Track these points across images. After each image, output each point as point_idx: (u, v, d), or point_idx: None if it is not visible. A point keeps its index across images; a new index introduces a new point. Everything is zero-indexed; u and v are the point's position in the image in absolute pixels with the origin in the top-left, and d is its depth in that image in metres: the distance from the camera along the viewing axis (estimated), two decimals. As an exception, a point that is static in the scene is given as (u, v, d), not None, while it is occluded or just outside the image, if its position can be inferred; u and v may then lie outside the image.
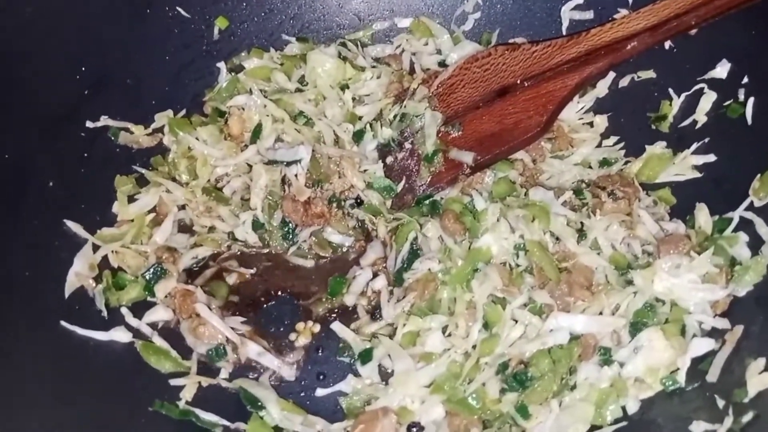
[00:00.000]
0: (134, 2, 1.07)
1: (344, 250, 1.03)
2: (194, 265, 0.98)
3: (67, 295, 0.89)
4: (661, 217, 0.98)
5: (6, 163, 0.90)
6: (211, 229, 1.02)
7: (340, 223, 1.03)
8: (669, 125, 1.06)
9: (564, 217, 0.94)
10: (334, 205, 1.03)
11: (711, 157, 1.00)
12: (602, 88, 1.13)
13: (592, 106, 1.13)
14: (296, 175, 1.02)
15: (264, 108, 1.08)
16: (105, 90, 1.03)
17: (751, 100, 0.95)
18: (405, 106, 1.07)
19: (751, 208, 0.91)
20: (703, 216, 0.94)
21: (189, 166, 1.06)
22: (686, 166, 1.01)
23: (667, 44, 1.05)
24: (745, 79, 0.97)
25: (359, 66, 1.15)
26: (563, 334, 0.83)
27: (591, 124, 1.13)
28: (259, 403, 0.84)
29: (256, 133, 1.07)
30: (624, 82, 1.11)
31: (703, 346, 0.82)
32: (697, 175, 1.01)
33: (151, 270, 0.94)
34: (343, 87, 1.12)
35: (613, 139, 1.10)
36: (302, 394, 0.89)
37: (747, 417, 0.68)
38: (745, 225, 0.90)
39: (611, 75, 1.11)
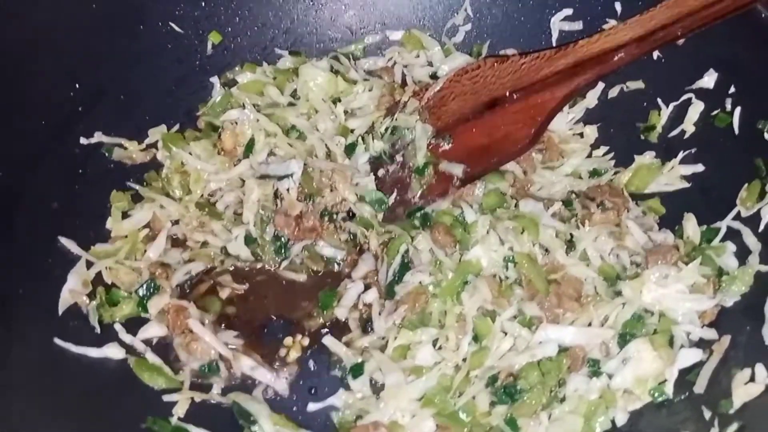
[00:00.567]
0: (128, 18, 1.08)
1: (337, 263, 1.03)
2: (187, 281, 0.99)
3: (60, 312, 0.89)
4: (650, 227, 0.98)
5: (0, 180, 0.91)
6: (204, 244, 1.03)
7: (332, 236, 1.04)
8: (658, 135, 1.06)
9: (553, 228, 0.94)
10: (326, 218, 1.04)
11: (699, 167, 1.01)
12: (592, 98, 1.14)
13: (582, 117, 1.14)
14: (288, 190, 1.03)
15: (257, 122, 1.09)
16: (99, 106, 1.05)
17: (738, 109, 0.96)
18: (396, 119, 1.08)
19: (738, 217, 0.92)
20: (691, 226, 0.95)
21: (182, 181, 1.07)
22: (675, 176, 1.02)
23: (656, 55, 1.06)
24: (732, 89, 0.98)
25: (351, 79, 1.16)
26: (552, 346, 0.84)
27: (581, 134, 1.14)
28: (252, 418, 0.84)
29: (249, 147, 1.08)
30: (613, 92, 1.12)
31: (690, 356, 0.83)
32: (686, 185, 1.01)
33: (144, 286, 0.95)
34: (335, 100, 1.13)
35: (603, 149, 1.11)
36: (294, 409, 0.89)
37: (732, 428, 0.68)
38: (732, 235, 0.91)
39: (600, 86, 1.12)
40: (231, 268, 1.02)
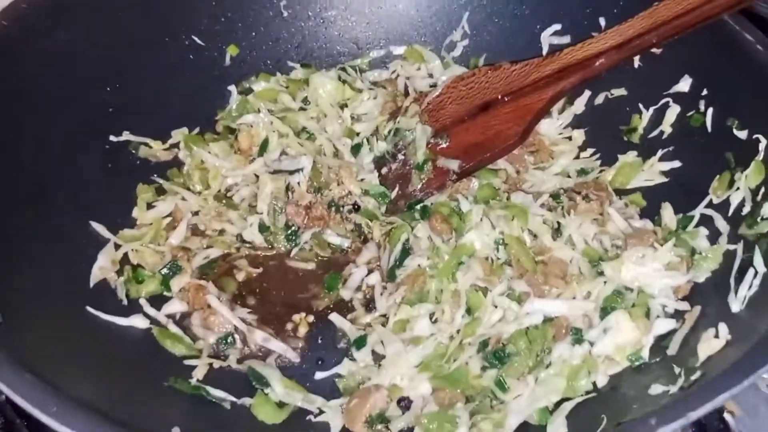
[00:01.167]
0: (155, 32, 1.19)
1: (342, 250, 1.12)
2: (206, 264, 1.07)
3: (91, 285, 0.98)
4: (631, 217, 1.06)
5: (39, 171, 1.00)
6: (221, 232, 1.12)
7: (339, 226, 1.13)
8: (639, 136, 1.15)
9: (541, 216, 1.03)
10: (333, 209, 1.13)
11: (676, 163, 1.09)
12: (579, 105, 1.23)
13: (570, 122, 1.24)
14: (299, 183, 1.12)
15: (270, 125, 1.19)
16: (127, 109, 1.14)
17: (710, 110, 1.05)
18: (398, 122, 1.18)
19: (710, 205, 1.00)
20: (667, 214, 1.03)
21: (202, 177, 1.16)
22: (655, 171, 1.11)
23: (636, 64, 1.15)
24: (705, 92, 1.07)
25: (357, 88, 1.26)
26: (538, 316, 0.92)
27: (570, 138, 1.23)
28: (264, 380, 0.92)
29: (263, 147, 1.18)
30: (599, 99, 1.21)
31: (665, 325, 0.90)
32: (665, 179, 1.10)
33: (167, 266, 1.03)
34: (343, 106, 1.24)
35: (590, 150, 1.20)
36: (303, 377, 0.96)
37: (695, 376, 0.75)
38: (705, 221, 0.99)
39: (587, 93, 1.22)
40: (246, 254, 1.10)
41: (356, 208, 1.15)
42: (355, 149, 1.19)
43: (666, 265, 0.95)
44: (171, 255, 1.06)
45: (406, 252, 1.06)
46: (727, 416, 0.88)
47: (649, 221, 1.05)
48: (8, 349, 0.75)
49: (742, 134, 0.99)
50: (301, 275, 1.09)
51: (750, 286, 0.85)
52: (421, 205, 1.12)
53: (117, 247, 1.03)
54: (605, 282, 0.95)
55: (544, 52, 1.26)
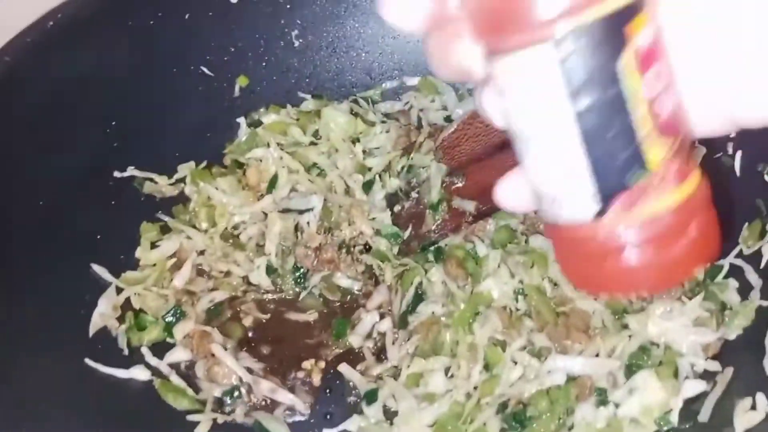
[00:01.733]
0: (161, 62, 1.16)
1: (353, 294, 1.08)
2: (212, 308, 1.03)
3: (91, 335, 0.94)
4: (656, 264, 1.02)
5: (39, 209, 0.97)
6: (227, 273, 1.08)
7: (350, 267, 1.08)
8: (663, 177, 1.11)
9: (562, 263, 0.98)
10: (344, 251, 1.09)
11: (703, 208, 1.05)
12: (599, 143, 1.19)
13: (590, 160, 1.19)
14: (308, 223, 1.08)
15: (280, 160, 1.15)
16: (133, 143, 1.11)
17: (739, 153, 1.00)
18: (412, 159, 1.14)
19: (740, 255, 0.95)
20: (695, 263, 0.99)
21: (208, 214, 1.12)
22: (680, 215, 1.06)
23: (660, 101, 1.11)
24: (733, 134, 1.02)
25: (370, 121, 1.22)
26: (561, 375, 0.87)
27: (590, 176, 1.19)
28: (271, 437, 0.88)
29: (273, 183, 1.14)
30: (620, 136, 1.17)
31: (695, 387, 0.85)
32: (691, 224, 1.05)
33: (171, 312, 0.99)
34: (355, 140, 1.19)
35: (612, 190, 1.16)
36: (311, 433, 0.92)
37: (733, 453, 0.71)
38: (734, 271, 0.95)
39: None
40: (252, 299, 1.06)
41: (367, 248, 1.11)
42: (367, 186, 1.15)
43: (694, 320, 0.90)
44: (175, 299, 1.02)
45: (419, 297, 1.02)
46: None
47: (676, 270, 1.00)
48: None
49: (774, 180, 0.95)
50: (308, 320, 1.04)
51: (787, 350, 0.80)
52: (435, 246, 1.07)
53: (119, 291, 1.00)
54: (630, 336, 0.91)
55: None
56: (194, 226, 1.11)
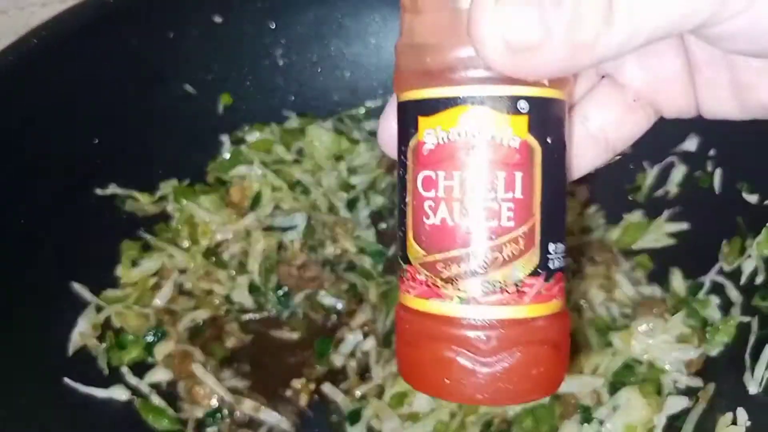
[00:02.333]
0: (144, 79, 1.15)
1: (336, 312, 1.07)
2: (193, 327, 1.02)
3: (70, 354, 0.92)
4: (639, 281, 1.02)
5: (18, 227, 0.95)
6: (209, 292, 1.07)
7: (334, 286, 1.08)
8: (645, 195, 1.12)
9: (545, 280, 0.98)
10: (328, 269, 1.08)
11: (684, 225, 1.06)
12: (582, 160, 1.19)
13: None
14: (292, 241, 1.08)
15: (264, 177, 1.15)
16: (115, 160, 1.10)
17: (718, 171, 1.02)
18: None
19: (720, 272, 0.96)
20: (676, 280, 0.99)
21: (190, 232, 1.12)
22: (661, 232, 1.07)
23: (641, 120, 1.12)
24: (712, 152, 1.04)
25: (354, 139, 1.23)
26: (544, 392, 0.87)
27: (572, 193, 1.20)
28: (253, 459, 0.86)
29: (256, 200, 1.14)
30: (602, 155, 1.18)
31: (678, 403, 0.85)
32: (672, 242, 1.06)
33: (152, 333, 0.98)
34: (339, 158, 1.20)
35: (594, 207, 1.17)
36: (293, 454, 0.91)
37: (715, 468, 0.71)
38: (715, 288, 0.95)
39: (590, 149, 1.19)
40: (234, 318, 1.05)
41: (352, 266, 1.10)
42: (351, 204, 1.15)
43: (677, 337, 0.90)
44: (156, 318, 1.00)
45: (403, 315, 1.02)
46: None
47: (658, 287, 1.01)
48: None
49: (752, 198, 0.96)
50: (291, 340, 1.03)
51: (767, 367, 0.80)
52: (420, 264, 1.07)
53: (99, 309, 0.98)
54: (614, 354, 0.91)
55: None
56: (176, 245, 1.11)
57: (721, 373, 0.87)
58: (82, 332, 0.94)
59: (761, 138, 0.96)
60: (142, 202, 1.13)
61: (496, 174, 0.45)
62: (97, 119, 1.09)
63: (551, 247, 0.48)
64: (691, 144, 1.07)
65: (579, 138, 0.55)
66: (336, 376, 0.99)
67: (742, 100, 0.52)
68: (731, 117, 0.55)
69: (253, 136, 1.22)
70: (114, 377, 0.93)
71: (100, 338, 0.96)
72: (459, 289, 0.46)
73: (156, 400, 0.92)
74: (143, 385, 0.94)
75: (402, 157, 0.49)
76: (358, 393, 0.96)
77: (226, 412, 0.92)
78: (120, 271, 1.05)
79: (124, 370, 0.95)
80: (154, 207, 1.14)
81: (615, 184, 1.15)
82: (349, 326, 1.04)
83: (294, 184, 1.16)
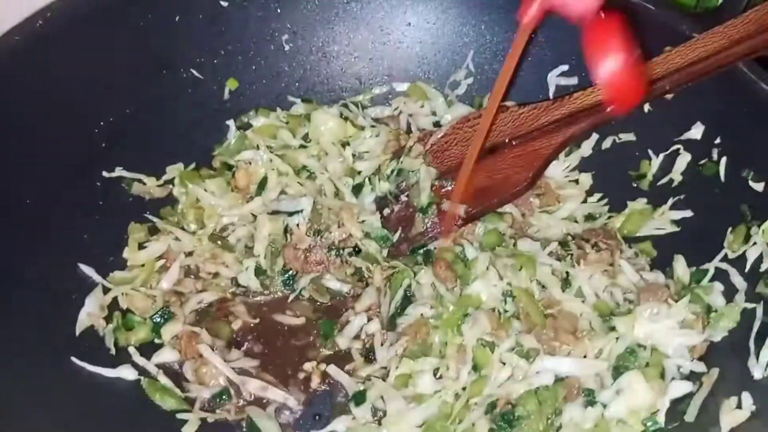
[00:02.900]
0: (151, 64, 1.15)
1: (342, 296, 1.07)
2: (200, 309, 1.02)
3: (78, 333, 0.93)
4: (642, 268, 1.03)
5: (26, 208, 0.96)
6: (216, 275, 1.07)
7: (339, 270, 1.08)
8: (649, 183, 1.12)
9: (549, 266, 0.99)
10: (333, 253, 1.09)
11: (688, 213, 1.06)
12: (586, 148, 1.20)
13: (577, 165, 1.20)
14: (298, 225, 1.08)
15: (270, 162, 1.15)
16: (121, 143, 1.10)
17: (724, 159, 1.02)
18: (402, 162, 1.15)
19: (725, 259, 0.96)
20: (680, 267, 1.00)
21: (197, 216, 1.12)
22: (665, 220, 1.07)
23: (646, 108, 1.12)
24: (718, 140, 1.04)
25: (359, 125, 1.22)
26: (549, 375, 0.87)
27: (576, 181, 1.20)
28: (260, 436, 0.87)
29: (262, 185, 1.14)
30: (606, 143, 1.18)
31: (681, 388, 0.86)
32: (676, 229, 1.07)
33: (159, 313, 0.98)
34: (344, 144, 1.20)
35: (597, 195, 1.17)
36: (299, 434, 0.92)
37: (719, 451, 0.71)
38: (720, 275, 0.96)
39: (595, 137, 1.19)
40: (241, 300, 1.05)
41: (357, 251, 1.10)
42: (357, 189, 1.16)
43: (681, 323, 0.91)
44: (163, 299, 1.01)
45: (407, 299, 1.02)
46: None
47: (661, 274, 1.02)
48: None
49: (758, 186, 0.96)
50: (297, 322, 1.04)
51: (773, 351, 0.81)
52: (425, 249, 1.08)
53: (106, 290, 0.99)
54: (617, 338, 0.91)
55: (551, 92, 1.23)
56: (182, 228, 1.11)
57: (725, 359, 0.87)
58: (89, 312, 0.95)
59: (767, 126, 0.97)
60: (149, 186, 1.13)
61: None
62: (103, 102, 1.09)
63: None
64: (696, 132, 1.07)
65: None
66: (341, 358, 1.00)
67: None
68: None
69: (258, 121, 1.22)
70: (121, 357, 0.94)
71: (108, 319, 0.97)
72: None
73: (163, 379, 0.93)
74: (150, 366, 0.94)
75: None
76: (362, 374, 0.96)
77: (233, 392, 0.93)
78: (127, 253, 1.06)
79: (132, 350, 0.96)
80: (160, 190, 1.14)
81: (619, 172, 1.16)
82: (354, 309, 1.05)
83: (299, 169, 1.16)
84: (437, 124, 1.26)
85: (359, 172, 1.17)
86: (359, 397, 0.93)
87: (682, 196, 1.07)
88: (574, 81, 1.20)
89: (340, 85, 1.30)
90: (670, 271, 1.02)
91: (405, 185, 1.14)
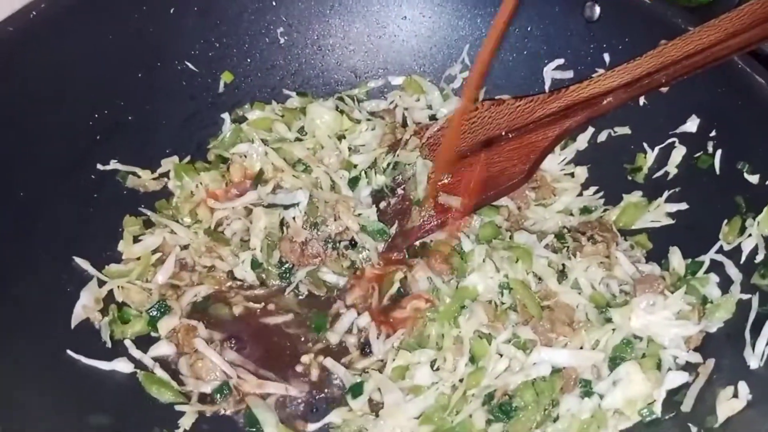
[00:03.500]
0: (146, 56, 1.14)
1: (338, 289, 1.07)
2: (196, 302, 1.02)
3: (73, 326, 0.92)
4: (638, 260, 1.03)
5: (21, 201, 0.95)
6: (211, 268, 1.07)
7: (335, 263, 1.08)
8: (644, 176, 1.12)
9: (546, 258, 0.99)
10: (330, 246, 1.08)
11: (683, 205, 1.06)
12: (582, 142, 1.20)
13: (573, 158, 1.20)
14: (294, 218, 1.08)
15: (265, 156, 1.15)
16: (116, 136, 1.09)
17: (719, 152, 1.02)
18: (398, 155, 1.14)
19: (720, 251, 0.97)
20: (676, 259, 1.00)
21: (192, 209, 1.12)
22: (660, 213, 1.08)
23: (641, 101, 1.13)
24: (713, 133, 1.04)
25: (355, 118, 1.22)
26: (546, 366, 0.88)
27: (572, 174, 1.20)
28: (258, 427, 0.87)
29: (257, 179, 1.13)
30: (602, 136, 1.18)
31: (677, 378, 0.86)
32: (671, 221, 1.07)
33: (155, 307, 0.98)
34: (340, 137, 1.19)
35: (593, 188, 1.17)
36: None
37: (716, 440, 0.72)
38: (715, 266, 0.96)
39: (590, 130, 1.19)
40: (237, 293, 1.05)
41: (353, 244, 1.10)
42: (353, 182, 1.15)
43: (676, 314, 0.91)
44: (159, 293, 1.00)
45: (401, 293, 1.03)
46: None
47: (657, 266, 1.02)
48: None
49: (753, 178, 0.96)
50: (292, 315, 1.04)
51: (768, 342, 0.81)
52: (420, 241, 1.08)
53: (101, 283, 0.98)
54: (613, 330, 0.92)
55: (547, 86, 1.23)
56: (177, 221, 1.10)
57: (721, 349, 0.88)
58: (84, 305, 0.94)
59: (762, 119, 0.97)
60: (143, 179, 1.12)
61: None
62: (98, 95, 1.08)
63: None
64: (691, 125, 1.07)
65: None
66: (338, 350, 1.00)
67: None
68: None
69: (253, 114, 1.22)
70: (117, 350, 0.94)
71: (103, 312, 0.96)
72: None
73: (159, 372, 0.93)
74: (147, 359, 0.94)
75: None
76: (359, 367, 0.96)
77: (232, 385, 0.92)
78: (122, 246, 1.05)
79: (128, 343, 0.95)
80: (155, 183, 1.13)
81: (615, 165, 1.16)
82: (345, 301, 1.05)
83: (295, 162, 1.16)
84: (433, 118, 1.26)
85: (355, 166, 1.17)
86: (356, 389, 0.93)
87: (677, 189, 1.08)
88: (569, 74, 1.20)
89: (335, 79, 1.30)
90: (665, 263, 1.02)
91: (401, 178, 1.14)
